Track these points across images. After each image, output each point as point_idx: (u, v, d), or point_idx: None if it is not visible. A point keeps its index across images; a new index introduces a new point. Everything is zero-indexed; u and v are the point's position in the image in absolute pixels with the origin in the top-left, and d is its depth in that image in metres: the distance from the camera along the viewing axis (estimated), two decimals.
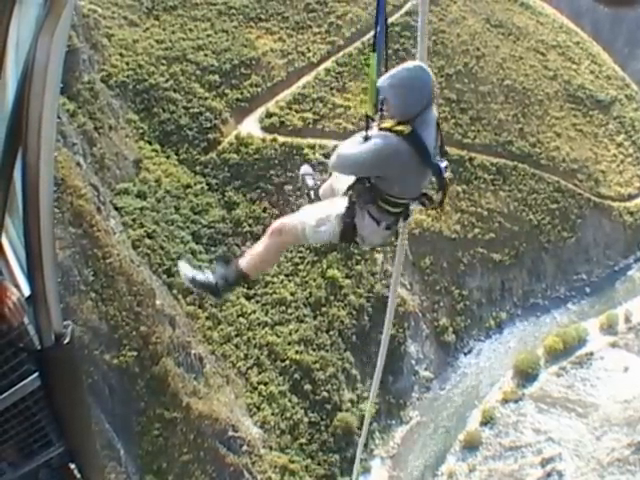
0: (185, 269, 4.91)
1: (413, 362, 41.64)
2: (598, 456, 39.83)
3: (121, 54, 42.04)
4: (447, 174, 4.51)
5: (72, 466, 4.99)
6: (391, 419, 40.83)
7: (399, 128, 4.34)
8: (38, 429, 4.12)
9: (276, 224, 4.85)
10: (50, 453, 4.69)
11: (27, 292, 4.17)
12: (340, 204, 4.71)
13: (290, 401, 37.34)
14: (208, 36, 43.29)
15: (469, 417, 42.27)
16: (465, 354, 44.04)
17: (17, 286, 4.32)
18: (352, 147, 4.46)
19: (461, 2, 48.72)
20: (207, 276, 4.82)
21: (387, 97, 4.32)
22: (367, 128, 4.49)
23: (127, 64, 41.65)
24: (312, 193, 5.46)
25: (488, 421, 41.58)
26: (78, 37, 38.46)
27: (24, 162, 2.98)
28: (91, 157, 38.51)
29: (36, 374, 3.73)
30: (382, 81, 4.30)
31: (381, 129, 4.44)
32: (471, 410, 42.59)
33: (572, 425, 41.88)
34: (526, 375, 43.61)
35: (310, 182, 5.56)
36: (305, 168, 5.75)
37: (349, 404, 38.95)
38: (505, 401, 42.96)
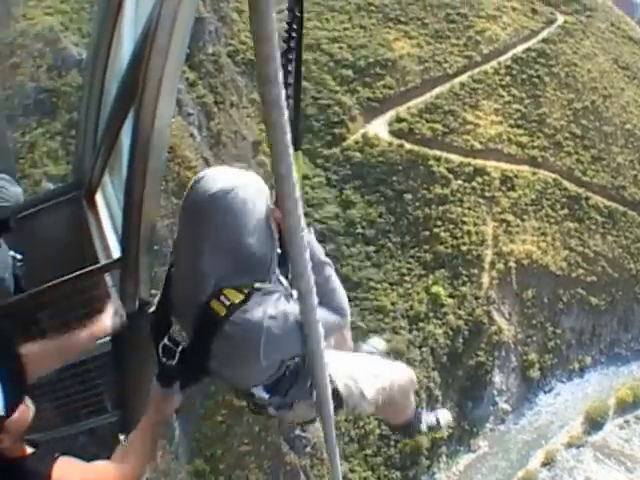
0: None
1: (495, 392, 40.92)
2: None
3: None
4: None
5: (121, 437, 4.64)
6: (460, 445, 40.23)
7: None
8: (94, 394, 3.99)
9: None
10: (100, 420, 4.63)
11: (116, 254, 4.07)
12: None
13: (367, 416, 36.68)
14: (345, 29, 42.67)
15: (533, 456, 41.80)
16: (545, 392, 43.40)
17: (106, 247, 4.61)
18: None
19: (593, 38, 47.88)
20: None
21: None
22: None
23: None
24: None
25: (549, 462, 41.09)
26: (205, 6, 37.98)
27: (137, 121, 2.76)
28: (207, 131, 37.95)
29: (106, 339, 3.54)
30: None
31: None
32: (536, 449, 42.10)
33: (619, 479, 41.11)
34: (594, 423, 43.22)
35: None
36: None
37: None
38: (569, 445, 42.61)
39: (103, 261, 4.46)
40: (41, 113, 40.94)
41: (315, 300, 2.34)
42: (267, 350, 2.54)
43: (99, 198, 5.13)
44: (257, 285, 2.58)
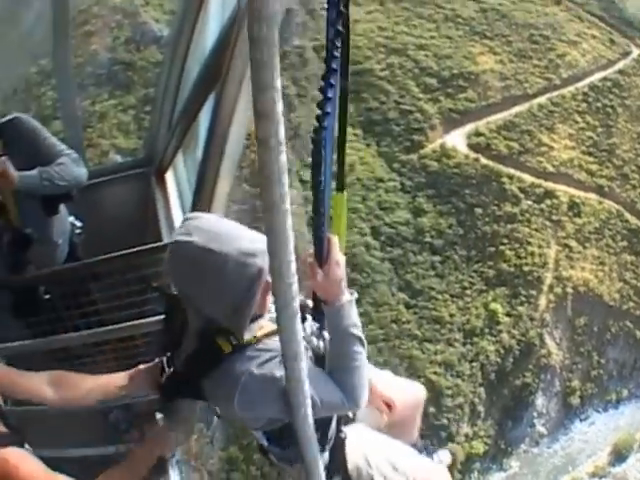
0: None
1: (535, 414, 41.09)
2: None
3: None
4: None
5: (158, 416, 4.85)
6: (493, 463, 40.40)
7: None
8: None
9: None
10: (138, 397, 4.47)
11: None
12: None
13: None
14: (432, 38, 42.62)
15: None
16: (581, 420, 43.55)
17: (171, 226, 4.54)
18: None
19: None
20: None
21: None
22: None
23: None
24: None
25: None
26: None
27: (217, 106, 2.77)
28: (286, 122, 37.59)
29: (159, 317, 3.51)
30: None
31: None
32: (563, 475, 42.26)
33: None
34: (619, 455, 43.43)
35: None
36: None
37: (462, 437, 38.48)
38: (593, 475, 42.81)
39: (167, 240, 4.46)
40: (114, 85, 40.51)
41: (303, 369, 2.13)
42: (241, 404, 2.48)
43: (169, 177, 5.16)
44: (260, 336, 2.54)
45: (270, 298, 2.50)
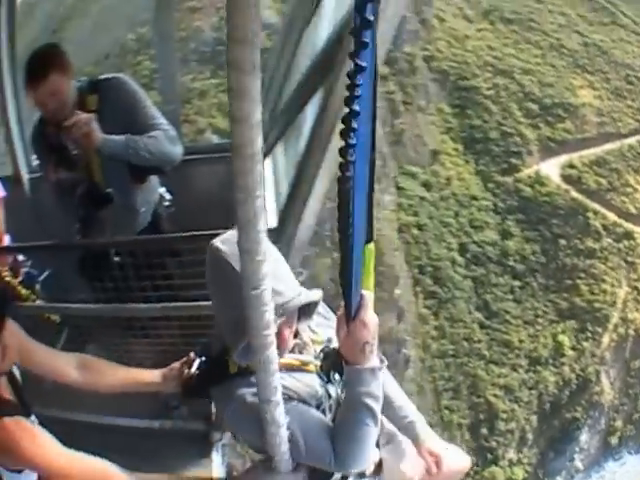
0: None
1: (577, 449, 41.50)
2: None
3: (449, 42, 41.27)
4: None
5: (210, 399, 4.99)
6: None
7: None
8: (188, 349, 3.92)
9: None
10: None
11: (271, 224, 4.41)
12: None
13: (462, 437, 36.90)
14: (537, 64, 42.68)
15: None
16: (614, 460, 44.13)
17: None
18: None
19: None
20: None
21: None
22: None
23: (454, 55, 40.86)
24: None
25: None
26: (407, 6, 37.84)
27: (325, 103, 2.80)
28: (390, 127, 37.84)
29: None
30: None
31: None
32: None
33: None
34: None
35: None
36: None
37: (506, 462, 38.69)
38: None
39: None
40: (217, 64, 39.67)
41: (280, 414, 2.12)
42: (230, 426, 2.64)
43: (267, 165, 5.06)
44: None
45: (291, 336, 2.42)
